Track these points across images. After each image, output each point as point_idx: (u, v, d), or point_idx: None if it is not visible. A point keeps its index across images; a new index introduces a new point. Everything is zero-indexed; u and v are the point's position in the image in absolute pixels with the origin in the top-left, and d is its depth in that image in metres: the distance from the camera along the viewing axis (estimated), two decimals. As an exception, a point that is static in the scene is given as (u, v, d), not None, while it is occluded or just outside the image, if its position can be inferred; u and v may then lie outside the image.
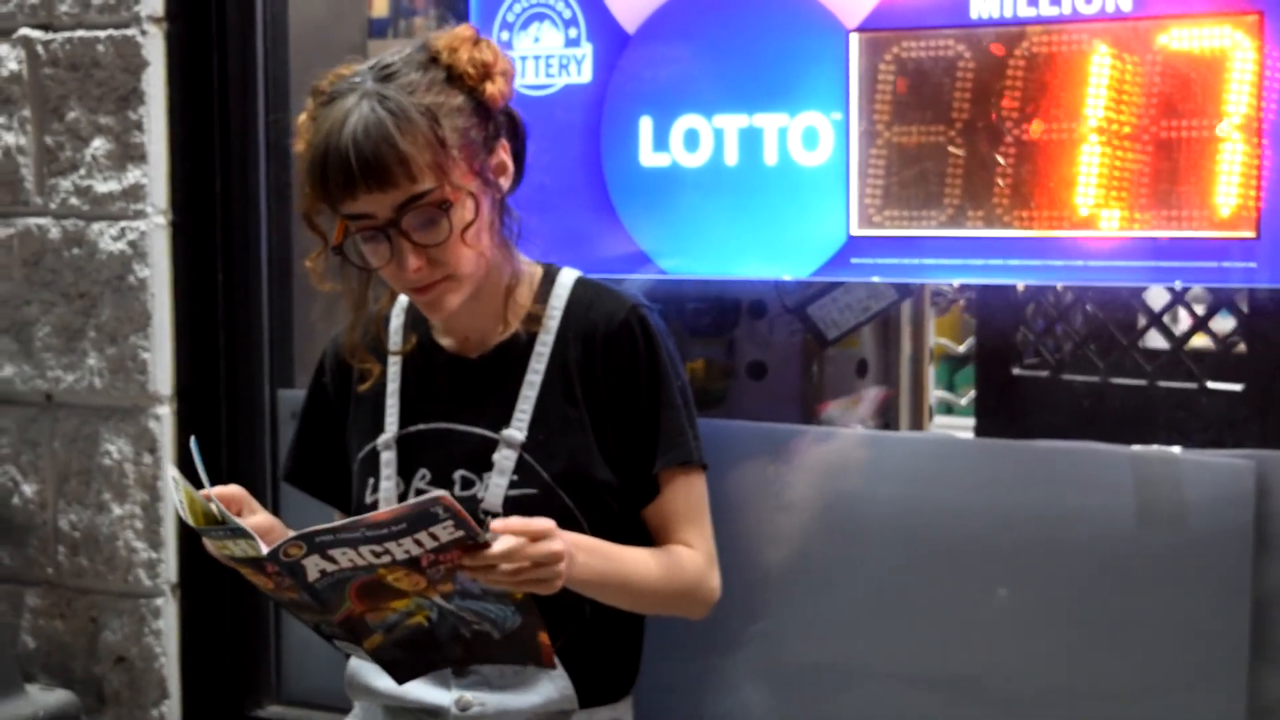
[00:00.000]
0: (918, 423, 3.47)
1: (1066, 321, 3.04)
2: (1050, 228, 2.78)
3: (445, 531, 2.21)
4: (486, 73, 2.49)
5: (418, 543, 2.22)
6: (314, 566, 2.28)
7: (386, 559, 2.25)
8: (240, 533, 2.31)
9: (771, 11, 2.94)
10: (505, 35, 3.15)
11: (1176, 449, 2.71)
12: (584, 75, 3.09)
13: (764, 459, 2.97)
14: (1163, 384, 2.90)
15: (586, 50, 3.09)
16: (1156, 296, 2.96)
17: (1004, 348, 3.06)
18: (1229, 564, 2.66)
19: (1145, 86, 2.71)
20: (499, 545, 2.24)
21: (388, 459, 2.63)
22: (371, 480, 2.64)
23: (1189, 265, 2.70)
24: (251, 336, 3.40)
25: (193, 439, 2.47)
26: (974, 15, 2.81)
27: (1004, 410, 3.05)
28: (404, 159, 2.39)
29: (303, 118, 2.52)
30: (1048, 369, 3.04)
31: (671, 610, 2.62)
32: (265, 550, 2.27)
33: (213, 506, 2.34)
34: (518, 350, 2.60)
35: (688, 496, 2.61)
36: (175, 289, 3.41)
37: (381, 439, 2.64)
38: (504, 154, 2.52)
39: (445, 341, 2.65)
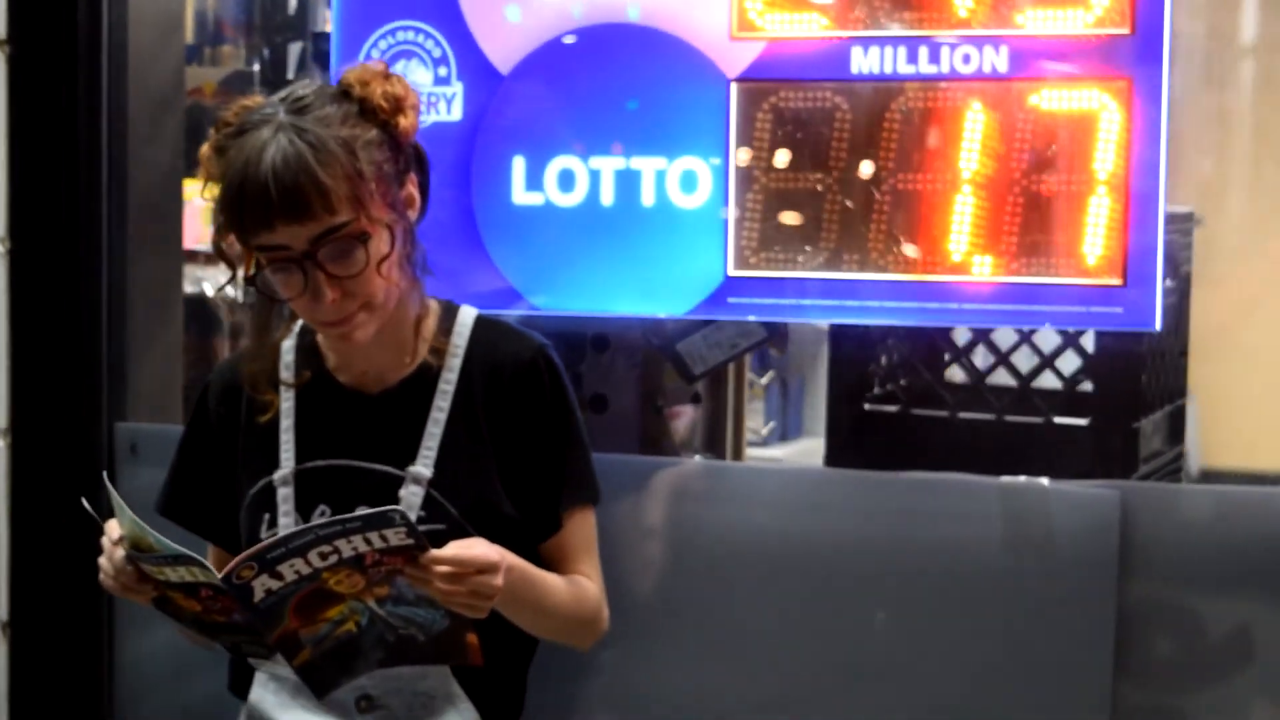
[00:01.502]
0: (738, 452, 3.60)
1: (916, 358, 3.20)
2: (924, 272, 2.94)
3: (396, 536, 2.29)
4: (398, 106, 2.54)
5: (367, 540, 2.29)
6: (261, 587, 2.32)
7: (333, 559, 2.30)
8: (183, 559, 2.32)
9: (652, 58, 3.03)
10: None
11: (1044, 480, 2.90)
12: (454, 114, 3.13)
13: (634, 492, 3.05)
14: (1010, 418, 3.10)
15: (457, 89, 3.13)
16: (1004, 337, 3.15)
17: (855, 383, 3.20)
18: (1095, 588, 2.84)
19: (1018, 142, 2.89)
20: (443, 565, 2.33)
21: (285, 494, 2.64)
22: (267, 515, 2.64)
23: (1059, 310, 2.90)
24: (89, 368, 3.32)
25: (104, 474, 2.46)
26: (854, 70, 2.95)
27: (853, 444, 3.20)
28: (323, 190, 2.41)
29: (206, 149, 2.52)
30: (897, 404, 3.20)
31: (567, 638, 2.69)
32: (219, 576, 2.29)
33: (149, 535, 2.35)
34: (420, 387, 2.63)
35: (585, 531, 2.69)
36: (11, 318, 3.31)
37: (278, 474, 2.64)
38: (412, 187, 2.57)
39: (343, 377, 2.67)
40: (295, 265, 2.45)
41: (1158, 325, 2.85)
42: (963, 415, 3.12)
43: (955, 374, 3.17)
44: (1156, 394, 3.18)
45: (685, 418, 3.52)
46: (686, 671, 3.06)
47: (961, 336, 3.24)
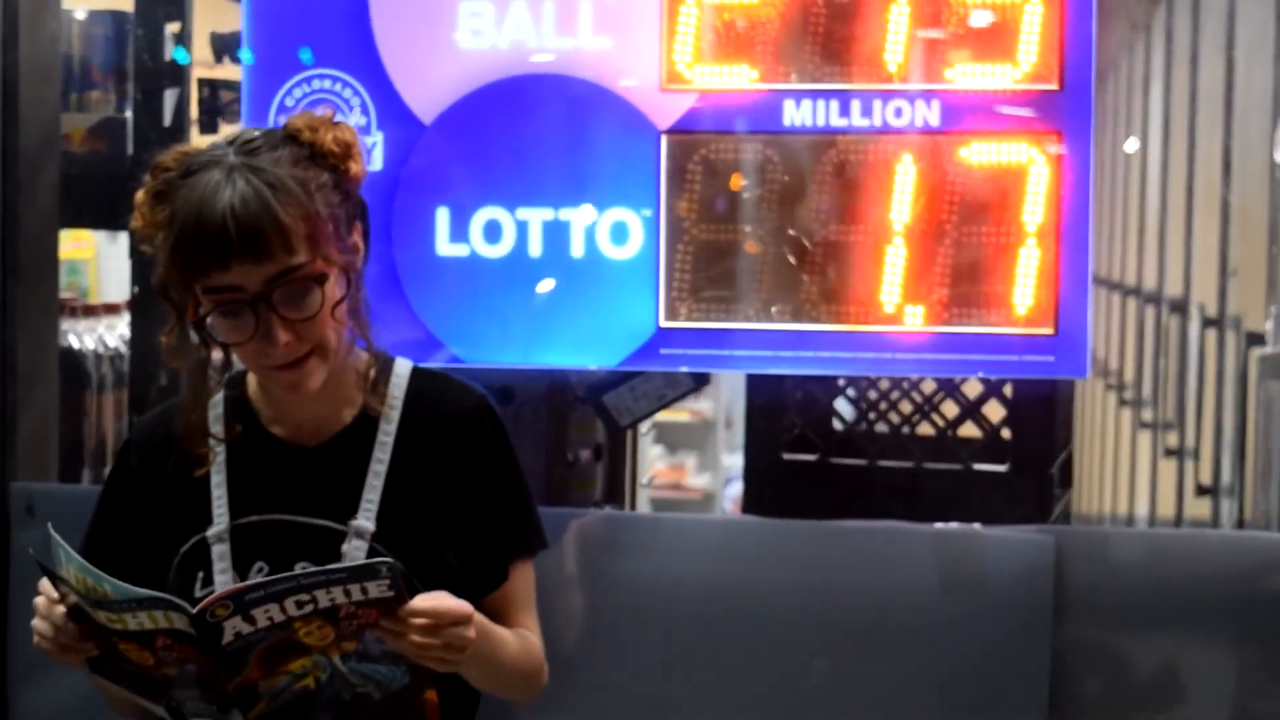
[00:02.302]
0: (633, 501, 3.61)
1: (835, 408, 3.24)
2: (856, 323, 2.98)
3: (377, 588, 2.26)
4: (349, 152, 2.51)
5: (347, 592, 2.25)
6: (231, 629, 2.27)
7: (309, 608, 2.26)
8: (149, 601, 2.27)
9: (581, 110, 3.03)
10: (282, 120, 3.11)
11: (978, 526, 2.96)
12: (374, 164, 3.08)
13: (555, 545, 3.04)
14: (930, 465, 3.15)
15: (377, 139, 3.09)
16: (925, 385, 3.21)
17: (772, 431, 3.23)
18: (1030, 631, 2.93)
19: (949, 195, 2.95)
20: (421, 617, 2.29)
21: (220, 551, 2.56)
22: (201, 574, 2.56)
23: (991, 359, 2.96)
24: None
25: (49, 526, 2.37)
26: (786, 123, 2.99)
27: (771, 492, 3.23)
28: (282, 230, 2.37)
29: (142, 195, 2.46)
30: (816, 453, 3.23)
31: (512, 693, 2.67)
32: (194, 611, 2.23)
33: (106, 583, 2.28)
34: (358, 439, 2.59)
35: (528, 583, 2.67)
36: (-101, 376, 3.18)
37: (212, 531, 2.57)
38: (358, 235, 2.54)
39: (277, 430, 2.61)
40: (247, 308, 2.39)
41: (1086, 373, 2.94)
42: (882, 463, 3.17)
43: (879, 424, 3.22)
44: (1060, 441, 3.26)
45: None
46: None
47: (882, 386, 3.29)
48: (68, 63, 3.71)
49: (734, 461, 10.62)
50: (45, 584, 2.39)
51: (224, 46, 3.60)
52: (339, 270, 2.45)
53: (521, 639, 2.61)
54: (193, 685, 2.36)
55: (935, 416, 3.20)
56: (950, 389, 3.18)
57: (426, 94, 3.09)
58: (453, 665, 2.38)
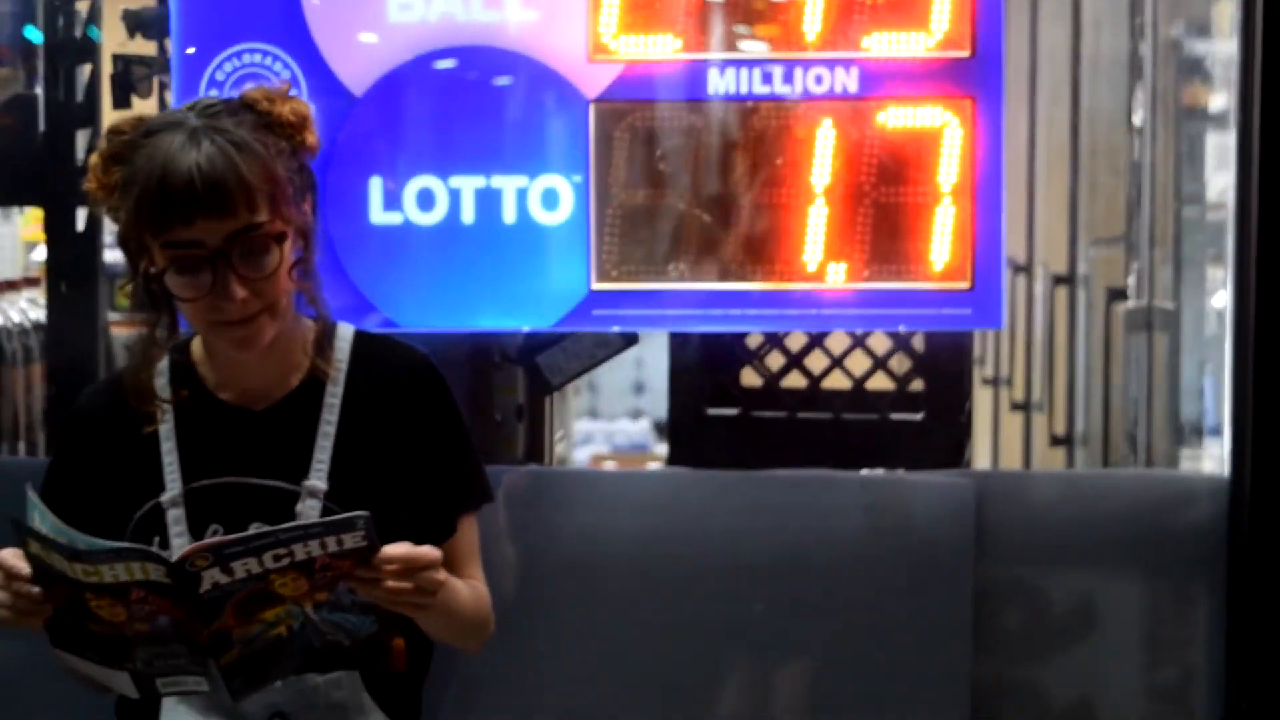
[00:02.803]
0: (551, 459, 3.71)
1: (758, 362, 3.37)
2: (780, 281, 3.10)
3: (352, 540, 2.35)
4: (304, 123, 2.59)
5: (323, 545, 2.34)
6: (209, 579, 2.34)
7: (285, 561, 2.34)
8: (126, 552, 2.33)
9: (511, 80, 3.12)
10: (214, 94, 3.15)
11: (901, 472, 3.10)
12: (306, 135, 3.14)
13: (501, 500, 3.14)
14: (847, 416, 3.29)
15: (308, 111, 3.14)
16: (836, 341, 3.34)
17: (696, 388, 3.35)
18: (953, 570, 3.08)
19: (868, 157, 3.08)
20: (393, 564, 2.38)
21: (176, 516, 2.63)
22: (157, 538, 2.62)
23: (911, 313, 3.10)
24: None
25: (28, 485, 2.41)
26: (710, 91, 3.10)
27: (694, 447, 3.35)
28: (247, 187, 2.46)
29: (95, 158, 2.53)
30: (738, 407, 3.36)
31: (464, 641, 2.76)
32: (173, 561, 2.31)
33: (79, 539, 2.34)
34: (305, 401, 2.66)
35: (474, 535, 2.77)
36: None
37: (166, 496, 2.63)
38: (309, 205, 2.61)
39: (224, 395, 2.67)
40: (205, 263, 2.46)
41: (1002, 324, 3.09)
42: (801, 415, 3.30)
43: (794, 379, 3.35)
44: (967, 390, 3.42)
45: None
46: (559, 673, 3.17)
47: (795, 342, 3.41)
48: (-30, 40, 3.73)
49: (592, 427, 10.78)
50: (2, 553, 2.44)
51: (138, 22, 3.63)
52: (295, 232, 2.53)
53: (472, 589, 2.71)
54: (161, 641, 2.41)
55: (851, 369, 3.33)
56: (860, 343, 3.31)
57: (357, 67, 3.15)
58: (425, 609, 2.47)
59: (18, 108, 3.73)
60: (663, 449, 9.72)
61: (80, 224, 3.69)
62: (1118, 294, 5.65)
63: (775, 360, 3.36)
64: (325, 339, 2.68)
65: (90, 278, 3.70)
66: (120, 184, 2.52)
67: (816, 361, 3.33)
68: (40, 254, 6.94)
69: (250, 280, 2.49)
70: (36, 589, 2.42)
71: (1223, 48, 6.06)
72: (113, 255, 3.82)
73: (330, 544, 2.35)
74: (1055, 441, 6.53)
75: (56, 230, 3.71)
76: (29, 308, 4.35)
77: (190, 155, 2.45)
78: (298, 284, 2.56)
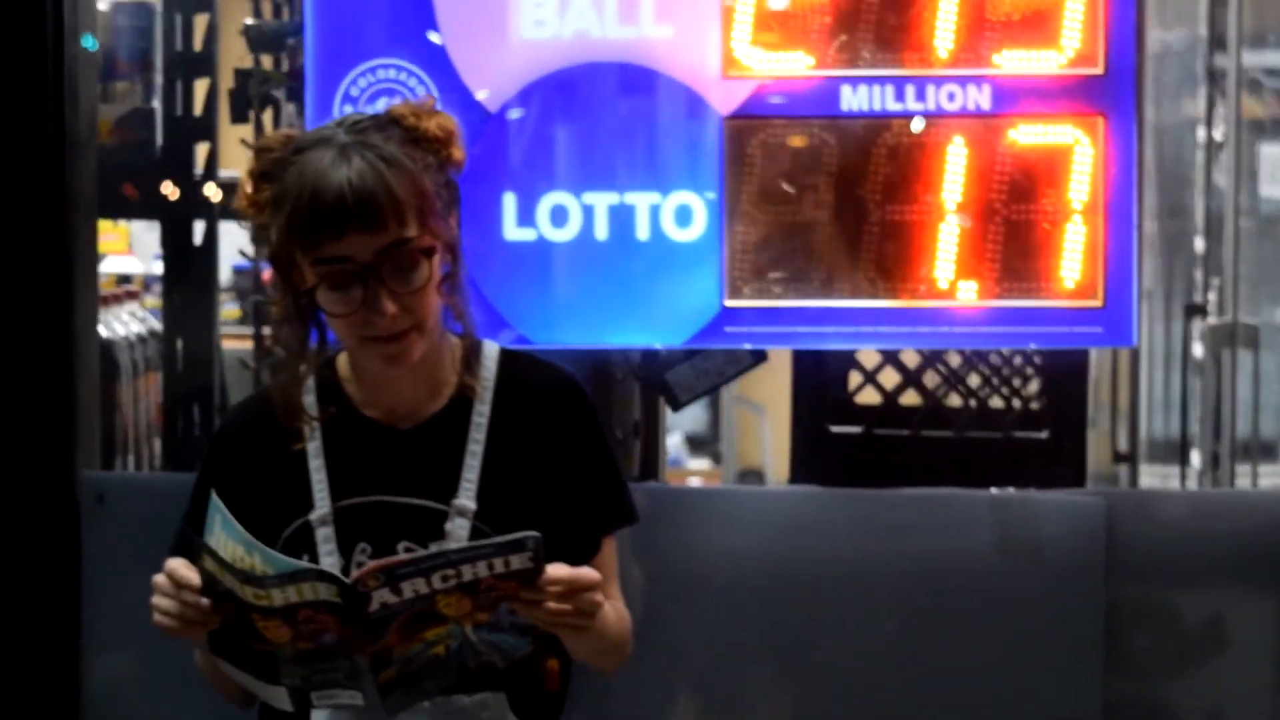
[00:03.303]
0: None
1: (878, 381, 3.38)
2: (912, 299, 3.12)
3: (519, 561, 2.35)
4: (451, 138, 2.60)
5: (490, 566, 2.34)
6: (378, 599, 2.34)
7: (453, 582, 2.34)
8: (302, 574, 2.34)
9: (644, 97, 3.15)
10: (348, 110, 3.18)
11: (1032, 490, 3.12)
12: (442, 151, 3.16)
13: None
14: (971, 434, 3.30)
15: (442, 126, 3.17)
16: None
17: (820, 405, 3.37)
18: (1084, 588, 3.11)
19: (999, 175, 3.09)
20: (557, 585, 2.38)
21: (325, 534, 2.63)
22: (306, 556, 2.63)
23: (1042, 330, 3.12)
24: (57, 415, 3.24)
25: (213, 493, 2.43)
26: (844, 107, 3.12)
27: (818, 464, 3.37)
28: (396, 202, 2.46)
29: (245, 175, 2.55)
30: (862, 424, 3.37)
31: (607, 660, 2.75)
32: (348, 581, 2.32)
33: (257, 554, 2.35)
34: (453, 420, 2.67)
35: (614, 556, 2.77)
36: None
37: (315, 514, 2.64)
38: (455, 219, 2.63)
39: (370, 412, 2.68)
40: (356, 278, 2.48)
41: (1135, 341, 3.10)
42: (925, 433, 3.31)
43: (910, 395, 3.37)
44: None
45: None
46: (687, 692, 3.19)
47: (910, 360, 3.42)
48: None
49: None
50: (173, 563, 2.45)
51: (259, 37, 3.66)
52: (443, 247, 2.55)
53: (616, 610, 2.71)
54: (323, 658, 2.43)
55: (981, 389, 3.34)
56: (997, 361, 3.31)
57: (491, 82, 3.18)
58: (585, 630, 2.47)
59: (134, 122, 3.78)
60: (699, 464, 9.81)
61: (198, 237, 3.74)
62: (1196, 309, 5.65)
63: (890, 378, 3.37)
64: (473, 356, 2.68)
65: (207, 291, 3.74)
66: (270, 201, 2.53)
67: (931, 379, 3.35)
68: (120, 266, 7.04)
69: (400, 295, 2.50)
70: (206, 601, 2.43)
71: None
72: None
73: (498, 565, 2.35)
74: (1118, 459, 6.54)
75: (174, 243, 3.75)
76: (130, 320, 4.39)
77: (341, 171, 2.46)
78: (446, 299, 2.58)
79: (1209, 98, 5.14)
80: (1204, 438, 5.45)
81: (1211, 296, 5.47)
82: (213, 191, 3.81)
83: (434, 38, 3.19)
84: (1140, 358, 6.07)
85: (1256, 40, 5.74)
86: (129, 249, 7.52)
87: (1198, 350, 5.76)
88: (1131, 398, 6.13)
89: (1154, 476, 6.59)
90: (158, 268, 7.99)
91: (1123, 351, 6.35)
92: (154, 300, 5.44)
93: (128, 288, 4.76)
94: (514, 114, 3.18)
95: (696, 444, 9.93)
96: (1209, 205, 5.42)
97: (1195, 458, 5.82)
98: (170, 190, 3.70)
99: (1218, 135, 5.15)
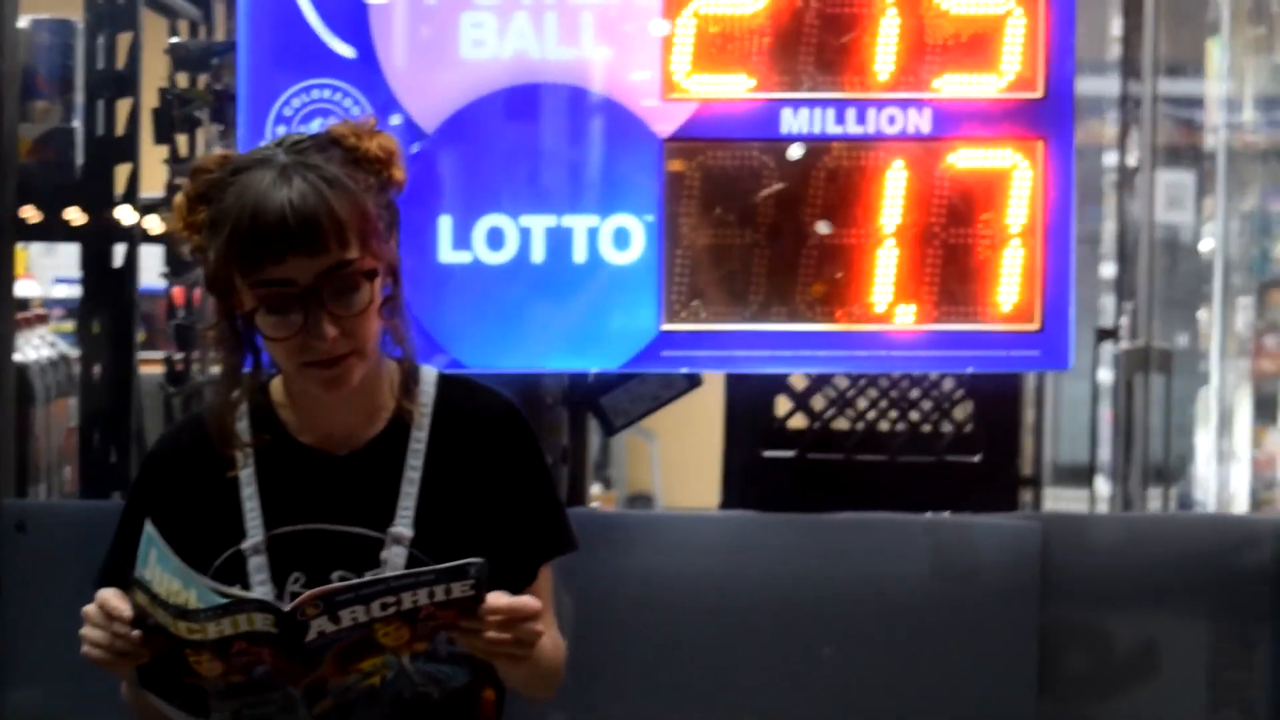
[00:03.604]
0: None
1: (811, 405, 3.37)
2: (850, 322, 3.12)
3: (460, 589, 2.30)
4: (391, 159, 2.57)
5: (431, 594, 2.30)
6: (316, 628, 2.29)
7: (392, 610, 2.30)
8: (238, 605, 2.28)
9: (583, 118, 3.13)
10: (281, 130, 3.13)
11: (967, 514, 3.13)
12: (375, 172, 3.13)
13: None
14: (904, 458, 3.30)
15: (377, 147, 3.13)
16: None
17: (752, 431, 3.35)
18: (1018, 612, 3.12)
19: (938, 198, 3.10)
20: (497, 614, 2.33)
21: (258, 563, 2.58)
22: (239, 586, 2.58)
23: (979, 354, 3.12)
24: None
25: (147, 523, 2.38)
26: (783, 130, 3.11)
27: (751, 489, 3.35)
28: (338, 224, 2.42)
29: (181, 198, 2.49)
30: (794, 449, 3.37)
31: (541, 688, 2.73)
32: (286, 610, 2.27)
33: (196, 586, 2.30)
34: (390, 446, 2.63)
35: (549, 583, 2.75)
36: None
37: (248, 543, 2.59)
38: (395, 241, 2.59)
39: (305, 439, 2.64)
40: (296, 301, 2.44)
41: (1070, 365, 3.12)
42: (858, 458, 3.31)
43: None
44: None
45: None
46: (618, 717, 3.15)
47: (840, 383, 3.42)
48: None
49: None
50: (104, 593, 2.40)
51: (185, 56, 3.60)
52: (384, 269, 2.51)
53: (551, 637, 2.68)
54: (255, 690, 2.38)
55: (913, 413, 3.34)
56: (927, 385, 3.32)
57: (428, 103, 3.15)
58: (524, 659, 2.44)
59: (54, 141, 3.70)
60: (590, 489, 9.82)
61: (118, 260, 3.66)
62: (1107, 334, 5.71)
63: (820, 402, 3.37)
64: (411, 381, 2.65)
65: (126, 315, 3.66)
66: (208, 223, 2.48)
67: (862, 403, 3.36)
68: (29, 290, 6.92)
69: (341, 318, 2.45)
70: (136, 633, 2.38)
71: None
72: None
73: (439, 593, 2.31)
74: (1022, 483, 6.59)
75: (93, 267, 3.67)
76: (40, 344, 4.30)
77: (281, 192, 2.41)
78: (386, 322, 2.54)
79: (1122, 123, 5.19)
80: (1115, 461, 5.51)
81: (1124, 320, 5.52)
82: (129, 215, 3.74)
83: (369, 57, 3.16)
84: (1045, 382, 6.15)
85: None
86: (27, 272, 7.43)
87: (1104, 375, 5.83)
88: (1036, 422, 6.20)
89: (1060, 501, 6.66)
90: (57, 291, 7.95)
91: (1028, 375, 6.46)
92: (55, 325, 5.37)
93: (36, 312, 4.66)
94: (450, 135, 3.15)
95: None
96: (1121, 230, 5.48)
97: (1100, 482, 5.90)
98: (87, 214, 3.63)
99: (1131, 160, 5.20)
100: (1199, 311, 6.54)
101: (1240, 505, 6.06)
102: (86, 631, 2.42)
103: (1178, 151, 6.73)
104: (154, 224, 4.02)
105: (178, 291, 4.20)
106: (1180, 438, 5.77)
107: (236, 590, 2.37)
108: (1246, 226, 6.57)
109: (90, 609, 2.41)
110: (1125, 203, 5.37)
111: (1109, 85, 5.66)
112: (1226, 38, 6.13)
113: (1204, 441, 6.32)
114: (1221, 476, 6.27)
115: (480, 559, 2.36)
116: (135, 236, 3.71)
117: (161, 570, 2.33)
